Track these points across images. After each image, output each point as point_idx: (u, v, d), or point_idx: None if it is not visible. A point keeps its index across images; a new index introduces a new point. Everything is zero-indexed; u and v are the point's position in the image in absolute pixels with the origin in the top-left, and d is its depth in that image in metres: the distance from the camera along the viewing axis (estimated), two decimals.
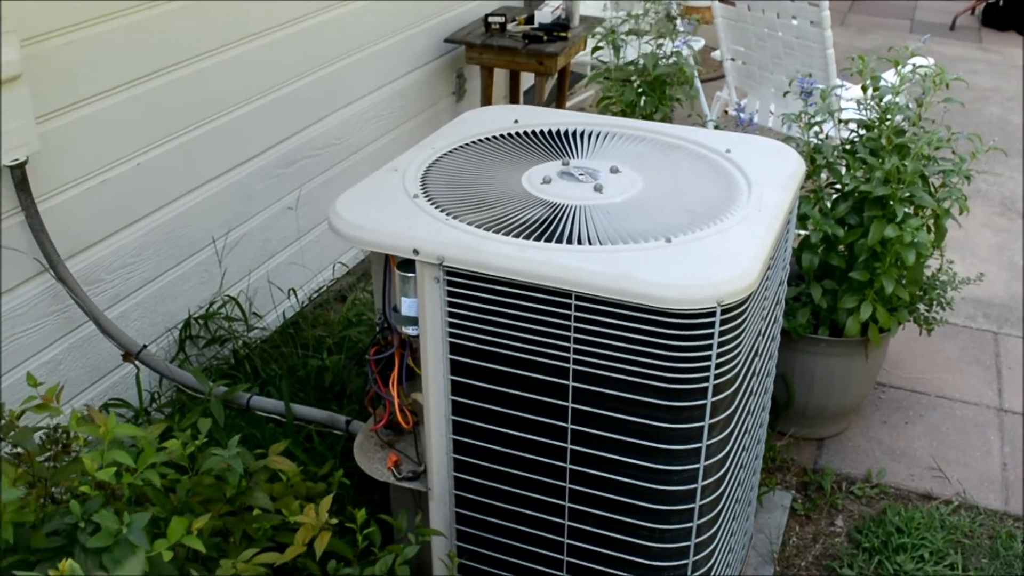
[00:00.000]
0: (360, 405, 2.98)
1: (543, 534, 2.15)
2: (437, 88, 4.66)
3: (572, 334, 1.91)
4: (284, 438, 2.62)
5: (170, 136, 3.09)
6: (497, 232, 1.98)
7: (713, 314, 1.82)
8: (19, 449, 1.87)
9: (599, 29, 3.69)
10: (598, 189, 2.16)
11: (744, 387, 2.09)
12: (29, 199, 2.58)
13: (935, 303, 3.20)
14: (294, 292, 3.83)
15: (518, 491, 2.13)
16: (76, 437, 1.57)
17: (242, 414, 2.83)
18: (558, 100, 5.17)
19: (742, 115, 3.23)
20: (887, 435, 3.40)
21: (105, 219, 2.91)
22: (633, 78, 3.29)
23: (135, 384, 3.04)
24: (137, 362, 2.85)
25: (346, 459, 2.61)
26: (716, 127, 3.10)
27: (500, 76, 4.98)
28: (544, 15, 4.65)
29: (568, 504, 2.09)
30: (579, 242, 1.95)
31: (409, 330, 2.11)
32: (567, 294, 1.88)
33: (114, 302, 3.00)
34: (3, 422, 1.95)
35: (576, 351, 1.93)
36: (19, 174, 2.54)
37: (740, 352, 1.95)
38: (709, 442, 1.95)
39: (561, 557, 2.16)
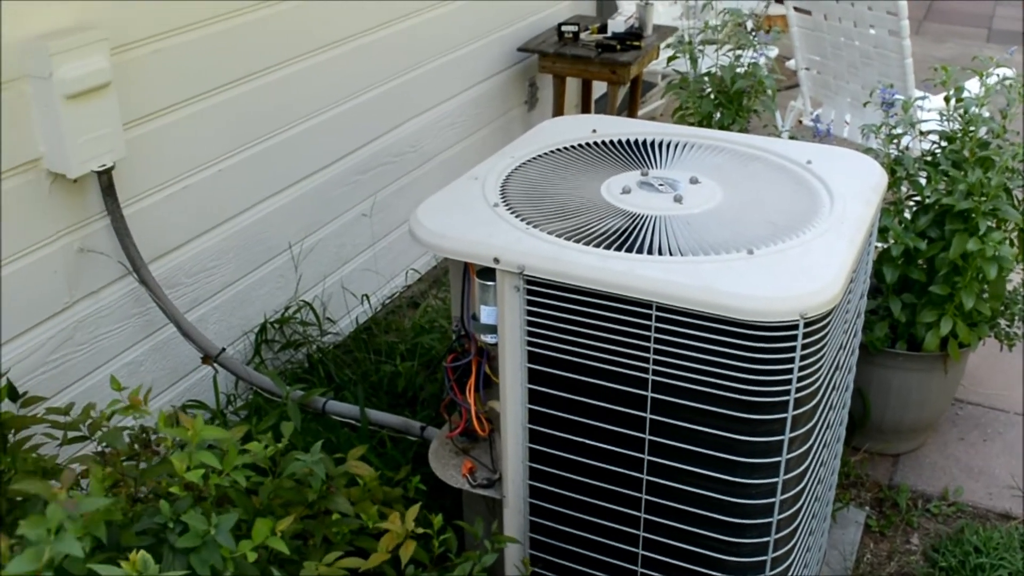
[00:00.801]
0: (433, 412, 2.99)
1: (617, 545, 2.15)
2: (510, 97, 4.68)
3: (652, 344, 1.91)
4: (359, 442, 2.65)
5: (250, 143, 3.14)
6: (577, 242, 1.98)
7: (796, 327, 1.80)
8: (104, 448, 1.91)
9: (673, 38, 3.67)
10: (678, 199, 2.16)
11: (824, 401, 2.07)
12: (115, 204, 2.64)
13: (1016, 318, 3.13)
14: (367, 298, 3.86)
15: (593, 501, 2.13)
16: (163, 439, 1.60)
17: (317, 418, 2.86)
18: (630, 109, 5.16)
19: (820, 126, 3.20)
20: (964, 452, 3.34)
21: (187, 224, 2.96)
22: (709, 90, 3.27)
23: (212, 386, 3.09)
24: (216, 365, 2.89)
25: (418, 464, 2.62)
26: (791, 137, 3.07)
27: (572, 85, 4.99)
28: (617, 24, 4.65)
29: (643, 515, 2.08)
30: (659, 253, 1.94)
31: (487, 338, 2.12)
32: (648, 304, 1.88)
33: (193, 306, 3.05)
34: (90, 422, 2.00)
35: (656, 362, 1.92)
36: (106, 179, 2.59)
37: (822, 366, 1.93)
38: (788, 456, 1.93)
39: (635, 568, 2.15)
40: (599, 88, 5.34)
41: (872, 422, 3.20)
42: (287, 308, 3.46)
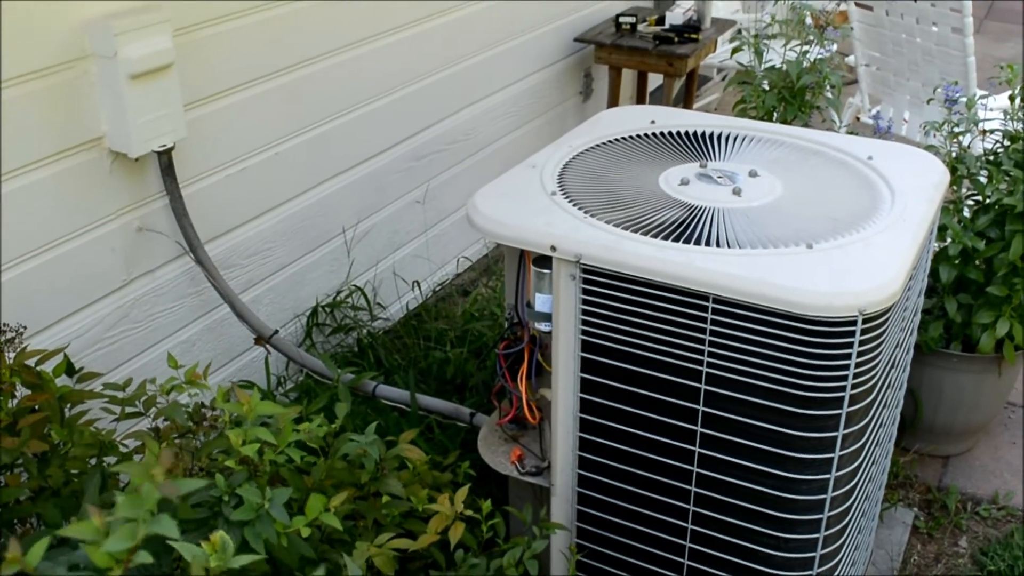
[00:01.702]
0: (482, 399, 3.00)
1: (665, 536, 2.14)
2: (565, 87, 4.67)
3: (707, 336, 1.90)
4: (408, 427, 2.66)
5: (307, 127, 3.16)
6: (635, 232, 1.98)
7: (854, 323, 1.79)
8: (160, 423, 1.94)
9: (733, 31, 3.64)
10: (736, 192, 2.15)
11: (879, 398, 2.05)
12: (174, 184, 2.67)
13: None
14: (418, 284, 3.88)
15: (642, 492, 2.13)
16: (219, 416, 1.62)
17: (366, 401, 2.88)
18: (685, 102, 5.13)
19: (880, 122, 3.16)
20: (1016, 456, 3.30)
21: (243, 206, 2.99)
22: (770, 84, 3.25)
23: (263, 367, 3.12)
24: (268, 346, 2.92)
25: (466, 451, 2.63)
26: (851, 133, 3.04)
27: (627, 76, 4.97)
28: (675, 16, 4.62)
29: (692, 508, 2.08)
30: (717, 245, 1.93)
31: (541, 326, 2.13)
32: (705, 296, 1.87)
33: (247, 287, 3.08)
34: (145, 398, 2.03)
35: (711, 354, 1.91)
36: (166, 159, 2.62)
37: (879, 363, 1.91)
38: (842, 453, 1.92)
39: (682, 560, 2.15)
40: (654, 80, 5.32)
41: (923, 423, 3.16)
42: (339, 292, 3.48)
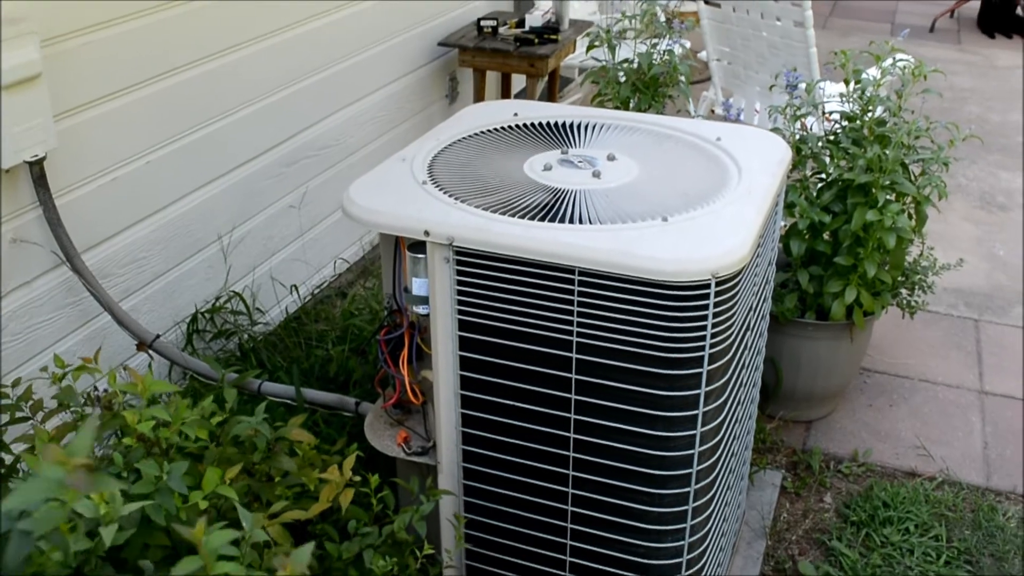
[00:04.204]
0: (366, 392, 3.08)
1: (548, 502, 2.26)
2: (430, 91, 4.78)
3: (575, 308, 2.03)
4: None
5: (178, 135, 3.20)
6: (503, 214, 2.09)
7: (708, 286, 1.94)
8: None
9: (591, 30, 3.81)
10: (596, 175, 2.28)
11: (737, 358, 2.21)
12: (47, 194, 2.68)
13: (917, 288, 3.32)
14: (296, 288, 3.93)
15: (524, 461, 2.24)
16: (116, 397, 1.67)
17: (252, 400, 2.93)
18: (548, 101, 5.29)
19: (730, 111, 3.35)
20: (872, 417, 3.53)
21: (117, 215, 3.01)
22: (625, 77, 3.41)
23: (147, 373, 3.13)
24: (150, 351, 2.95)
25: (353, 440, 2.70)
26: None
27: (492, 79, 5.11)
28: (535, 18, 4.77)
29: (572, 472, 2.20)
30: (580, 222, 2.06)
31: (419, 309, 2.22)
32: (571, 270, 1.99)
33: (125, 296, 3.10)
34: (31, 403, 2.05)
35: (579, 324, 2.04)
36: (38, 170, 2.64)
37: (734, 323, 2.07)
38: (705, 409, 2.07)
39: (565, 524, 2.27)
40: (518, 82, 5.47)
41: (785, 390, 3.36)
42: (217, 298, 3.52)
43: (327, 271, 4.18)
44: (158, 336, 2.95)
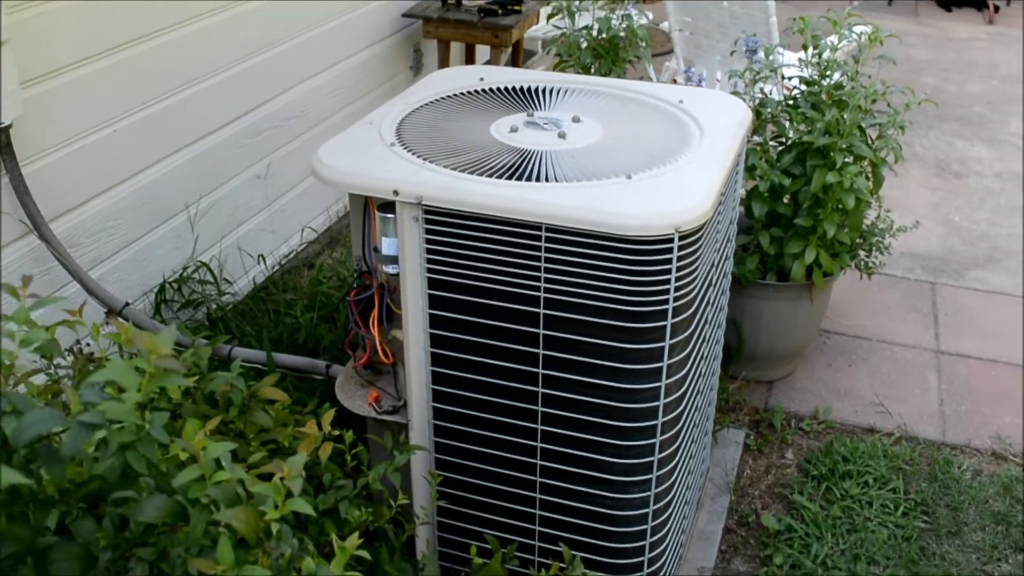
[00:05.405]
0: (334, 358, 3.11)
1: (517, 457, 2.31)
2: (395, 62, 4.79)
3: (542, 264, 2.07)
4: None
5: (144, 104, 3.21)
6: (471, 174, 2.13)
7: (671, 240, 1.99)
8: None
9: (554, 1, 3.84)
10: (562, 136, 2.33)
11: (700, 313, 2.27)
12: (13, 162, 2.69)
13: (874, 249, 3.40)
14: (263, 258, 3.95)
15: (493, 417, 2.29)
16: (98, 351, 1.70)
17: (223, 366, 2.95)
18: None
19: (692, 76, 3.40)
20: (832, 377, 3.61)
21: (84, 184, 3.02)
22: (586, 43, 3.46)
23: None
24: (120, 319, 2.96)
25: (325, 403, 2.74)
26: None
27: (456, 50, 5.12)
28: None
29: (540, 427, 2.25)
30: (547, 181, 2.11)
31: (389, 269, 2.26)
32: (537, 227, 2.04)
33: (93, 265, 3.11)
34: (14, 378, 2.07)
35: (546, 280, 2.09)
36: (4, 138, 2.64)
37: (696, 277, 2.12)
38: (670, 362, 2.12)
39: (534, 478, 2.32)
40: (483, 54, 5.49)
41: (747, 351, 3.43)
42: (185, 268, 3.53)
43: (294, 241, 4.20)
44: (127, 304, 2.97)
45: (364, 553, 1.62)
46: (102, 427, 1.32)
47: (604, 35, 3.29)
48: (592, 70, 3.36)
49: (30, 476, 1.37)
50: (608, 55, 3.33)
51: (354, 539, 1.60)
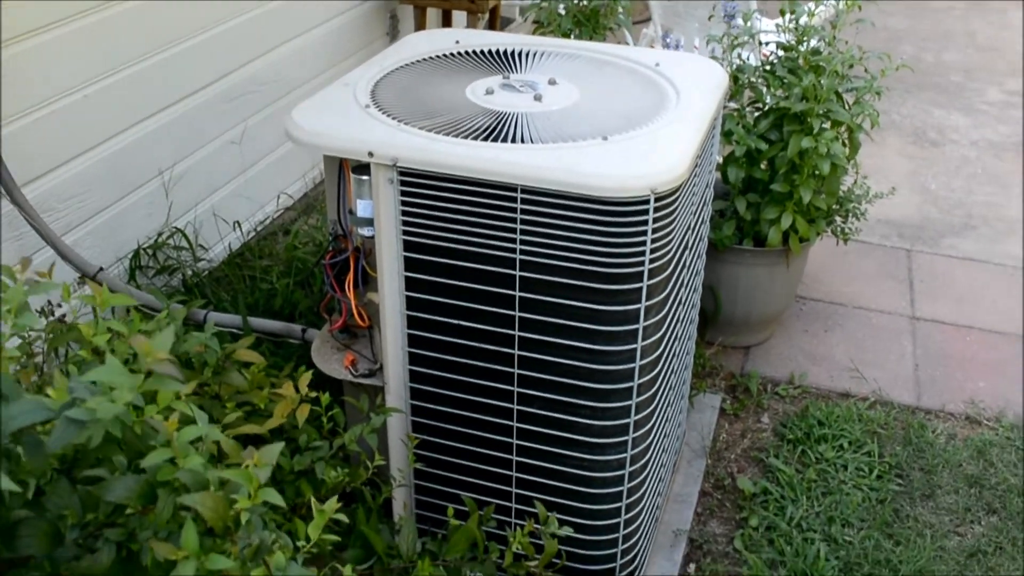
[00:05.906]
0: (310, 323, 3.10)
1: (494, 419, 2.32)
2: (371, 28, 4.75)
3: (518, 226, 2.07)
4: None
5: (115, 69, 3.17)
6: (447, 136, 2.12)
7: (647, 201, 1.99)
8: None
9: None
10: (538, 98, 2.31)
11: (676, 275, 2.27)
12: None
13: (850, 215, 3.41)
14: (239, 225, 3.92)
15: (470, 379, 2.29)
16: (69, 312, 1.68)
17: (198, 331, 2.93)
18: None
19: (670, 41, 3.39)
20: (808, 342, 3.63)
21: (56, 148, 2.99)
22: (566, 9, 3.44)
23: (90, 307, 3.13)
24: (94, 284, 2.94)
25: (300, 366, 2.74)
26: None
27: (432, 16, 5.08)
28: None
29: (517, 389, 2.25)
30: (523, 142, 2.10)
31: (364, 231, 2.25)
32: (513, 188, 2.03)
33: (66, 231, 3.08)
34: None
35: (522, 242, 2.08)
36: None
37: (672, 239, 2.12)
38: (646, 324, 2.13)
39: (511, 440, 2.32)
40: (459, 20, 5.44)
41: (723, 317, 3.44)
42: (160, 235, 3.50)
43: (270, 207, 4.17)
44: (101, 268, 2.94)
45: (341, 516, 1.61)
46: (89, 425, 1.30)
47: (587, 2, 3.27)
48: (572, 36, 3.34)
49: (8, 459, 1.35)
50: (589, 23, 3.31)
51: (332, 502, 1.59)
